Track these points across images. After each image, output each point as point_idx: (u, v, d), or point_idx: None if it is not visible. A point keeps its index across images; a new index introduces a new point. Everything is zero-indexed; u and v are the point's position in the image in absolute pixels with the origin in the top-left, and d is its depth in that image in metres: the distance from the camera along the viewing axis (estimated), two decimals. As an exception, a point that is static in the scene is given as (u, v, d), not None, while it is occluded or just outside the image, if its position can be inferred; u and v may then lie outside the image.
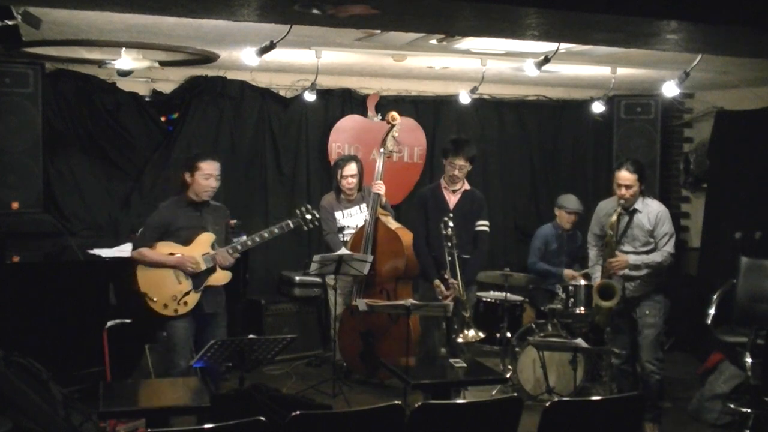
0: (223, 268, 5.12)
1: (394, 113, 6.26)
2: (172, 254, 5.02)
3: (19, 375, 4.30)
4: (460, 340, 5.48)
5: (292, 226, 5.32)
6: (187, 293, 5.01)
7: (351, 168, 6.28)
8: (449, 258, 5.43)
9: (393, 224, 6.19)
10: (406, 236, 6.07)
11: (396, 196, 7.33)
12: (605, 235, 5.42)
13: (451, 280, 5.48)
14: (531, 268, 6.84)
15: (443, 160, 5.82)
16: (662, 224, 5.37)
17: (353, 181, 6.29)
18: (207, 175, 5.06)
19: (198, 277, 5.04)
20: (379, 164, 6.23)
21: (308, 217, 5.41)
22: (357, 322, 6.11)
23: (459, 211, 5.73)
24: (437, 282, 5.59)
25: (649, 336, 5.38)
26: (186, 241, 5.05)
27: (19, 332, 5.31)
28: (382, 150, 6.25)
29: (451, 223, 5.43)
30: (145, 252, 5.02)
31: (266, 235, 5.24)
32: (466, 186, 5.83)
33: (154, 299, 4.98)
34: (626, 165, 5.39)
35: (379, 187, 6.15)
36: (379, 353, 5.92)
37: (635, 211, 5.40)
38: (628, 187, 5.34)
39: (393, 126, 6.22)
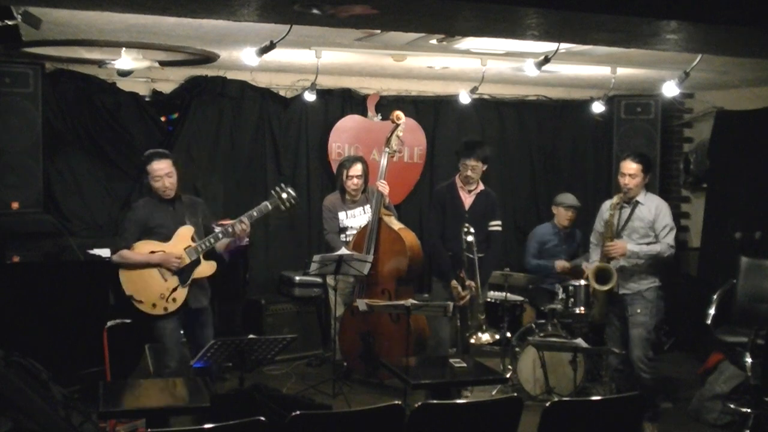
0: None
1: (399, 113, 6.25)
2: (153, 252, 4.98)
3: (19, 375, 4.29)
4: (472, 341, 5.50)
5: (270, 207, 5.15)
6: (174, 289, 4.98)
7: (357, 168, 6.27)
8: (467, 261, 5.47)
9: (396, 224, 6.18)
10: (409, 237, 6.07)
11: (396, 195, 7.33)
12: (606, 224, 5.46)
13: (468, 282, 5.51)
14: (527, 267, 6.90)
15: (457, 160, 5.89)
16: (663, 216, 5.43)
17: (359, 182, 6.27)
18: (156, 177, 5.02)
19: (184, 272, 5.00)
20: (383, 163, 6.22)
21: (284, 195, 5.20)
22: (357, 323, 6.11)
23: (474, 212, 5.78)
24: (454, 284, 5.62)
25: (638, 335, 5.41)
26: (166, 238, 5.01)
27: (19, 332, 5.31)
28: (386, 149, 6.23)
29: (472, 230, 5.47)
30: (127, 254, 4.98)
31: (252, 215, 5.09)
32: (481, 186, 5.88)
33: (141, 300, 4.95)
34: (632, 155, 5.51)
35: (384, 187, 6.13)
36: (380, 353, 5.93)
37: (637, 203, 5.43)
38: (631, 176, 5.42)
39: (398, 125, 6.21)
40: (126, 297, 4.98)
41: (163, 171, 5.01)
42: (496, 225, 5.89)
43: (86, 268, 6.05)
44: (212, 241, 5.03)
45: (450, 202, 5.83)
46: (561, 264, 6.62)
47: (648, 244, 5.41)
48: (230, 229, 5.06)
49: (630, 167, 5.44)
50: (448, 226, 5.74)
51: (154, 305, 4.96)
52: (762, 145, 7.24)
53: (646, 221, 5.42)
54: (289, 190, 5.24)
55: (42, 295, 5.63)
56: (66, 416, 4.27)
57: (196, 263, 5.03)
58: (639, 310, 5.43)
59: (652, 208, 5.45)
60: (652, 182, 7.63)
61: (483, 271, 5.67)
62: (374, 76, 7.49)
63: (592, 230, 5.84)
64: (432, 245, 5.94)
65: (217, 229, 5.12)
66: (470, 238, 5.47)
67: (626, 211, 5.47)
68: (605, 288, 5.39)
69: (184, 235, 5.03)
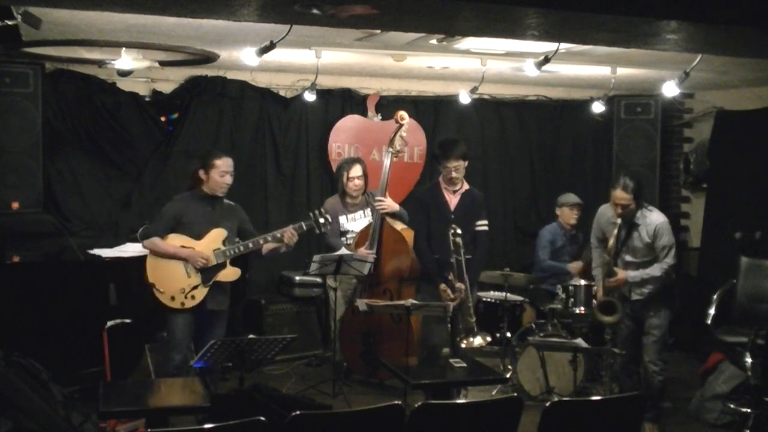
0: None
1: (402, 113, 6.23)
2: (183, 247, 5.08)
3: (19, 375, 4.30)
4: (463, 345, 5.46)
5: (305, 228, 5.33)
6: (195, 287, 5.07)
7: (357, 169, 6.27)
8: (456, 263, 5.42)
9: (398, 224, 6.17)
10: (411, 237, 6.05)
11: (396, 195, 7.32)
12: (607, 243, 5.39)
13: (458, 284, 5.47)
14: (540, 266, 6.84)
15: (437, 165, 5.83)
16: (661, 237, 5.28)
17: (359, 183, 6.27)
18: (222, 173, 5.16)
19: (207, 272, 5.09)
20: (386, 163, 6.20)
21: (321, 220, 5.38)
22: (358, 322, 6.11)
23: (460, 213, 5.71)
24: (443, 286, 5.57)
25: (654, 337, 5.36)
26: (198, 236, 5.12)
27: (19, 332, 5.31)
28: (389, 150, 6.21)
29: (459, 230, 5.42)
30: (158, 242, 5.10)
31: (302, 226, 5.28)
32: (465, 186, 5.81)
33: (162, 290, 5.05)
34: (623, 183, 5.24)
35: (386, 205, 6.14)
36: (380, 353, 5.92)
37: (634, 225, 5.35)
38: (623, 206, 5.26)
39: (401, 126, 6.18)
40: (145, 285, 5.09)
41: (229, 168, 5.19)
42: (482, 225, 5.78)
43: (86, 268, 6.05)
44: (241, 248, 5.16)
45: (434, 205, 5.74)
46: (575, 266, 6.59)
47: (650, 261, 5.34)
48: (278, 235, 5.22)
49: (622, 198, 5.23)
50: (434, 229, 5.66)
51: (173, 298, 5.05)
52: (762, 145, 7.24)
53: (644, 242, 5.34)
54: (327, 216, 5.40)
55: (42, 295, 5.63)
56: (66, 416, 4.28)
57: (221, 266, 5.12)
58: (652, 313, 5.38)
59: (651, 229, 5.29)
60: (652, 183, 7.66)
61: (470, 272, 5.58)
62: (374, 76, 7.49)
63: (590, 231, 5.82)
64: (417, 249, 5.88)
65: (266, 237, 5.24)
66: (458, 240, 5.41)
67: (623, 232, 5.39)
68: (611, 320, 5.34)
69: (215, 237, 5.13)
